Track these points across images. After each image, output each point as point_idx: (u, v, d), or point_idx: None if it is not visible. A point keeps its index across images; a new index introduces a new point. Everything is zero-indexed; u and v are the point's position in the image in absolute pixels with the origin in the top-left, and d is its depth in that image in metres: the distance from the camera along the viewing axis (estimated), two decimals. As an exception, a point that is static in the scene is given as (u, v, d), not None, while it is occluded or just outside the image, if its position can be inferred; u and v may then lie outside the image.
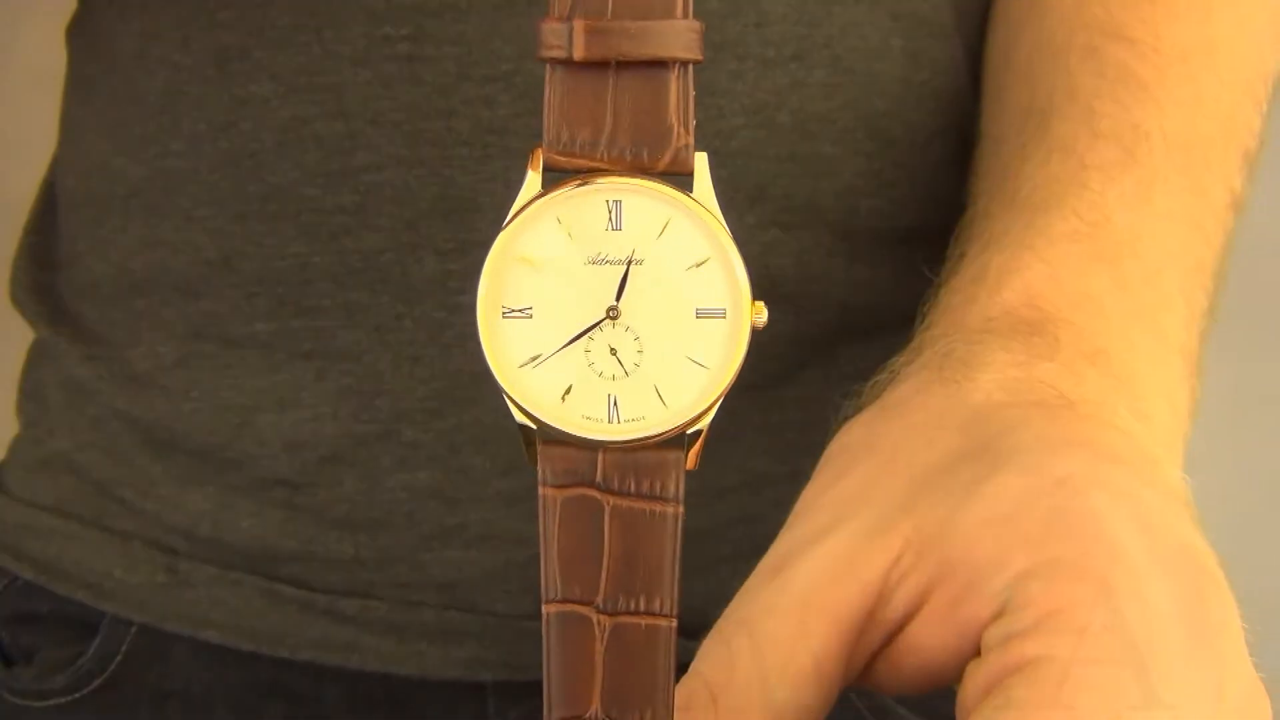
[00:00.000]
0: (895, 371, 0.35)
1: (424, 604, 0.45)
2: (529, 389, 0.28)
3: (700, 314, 0.27)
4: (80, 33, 0.49)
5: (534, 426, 0.28)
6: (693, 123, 0.27)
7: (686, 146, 0.27)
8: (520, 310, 0.28)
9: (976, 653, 0.29)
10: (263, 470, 0.45)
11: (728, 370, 0.27)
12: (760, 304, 0.27)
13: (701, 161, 0.28)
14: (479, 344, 0.28)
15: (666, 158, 0.27)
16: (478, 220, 0.42)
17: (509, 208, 0.42)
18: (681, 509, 0.27)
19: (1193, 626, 0.27)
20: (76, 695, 0.48)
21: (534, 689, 0.46)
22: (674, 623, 0.27)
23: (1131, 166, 0.39)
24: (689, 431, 0.28)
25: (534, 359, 0.28)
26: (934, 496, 0.30)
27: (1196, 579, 0.28)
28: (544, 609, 0.28)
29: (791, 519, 0.32)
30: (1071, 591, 0.27)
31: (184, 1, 0.43)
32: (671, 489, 0.27)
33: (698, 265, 0.27)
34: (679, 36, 0.27)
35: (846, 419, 0.34)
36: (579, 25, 0.27)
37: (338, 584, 0.46)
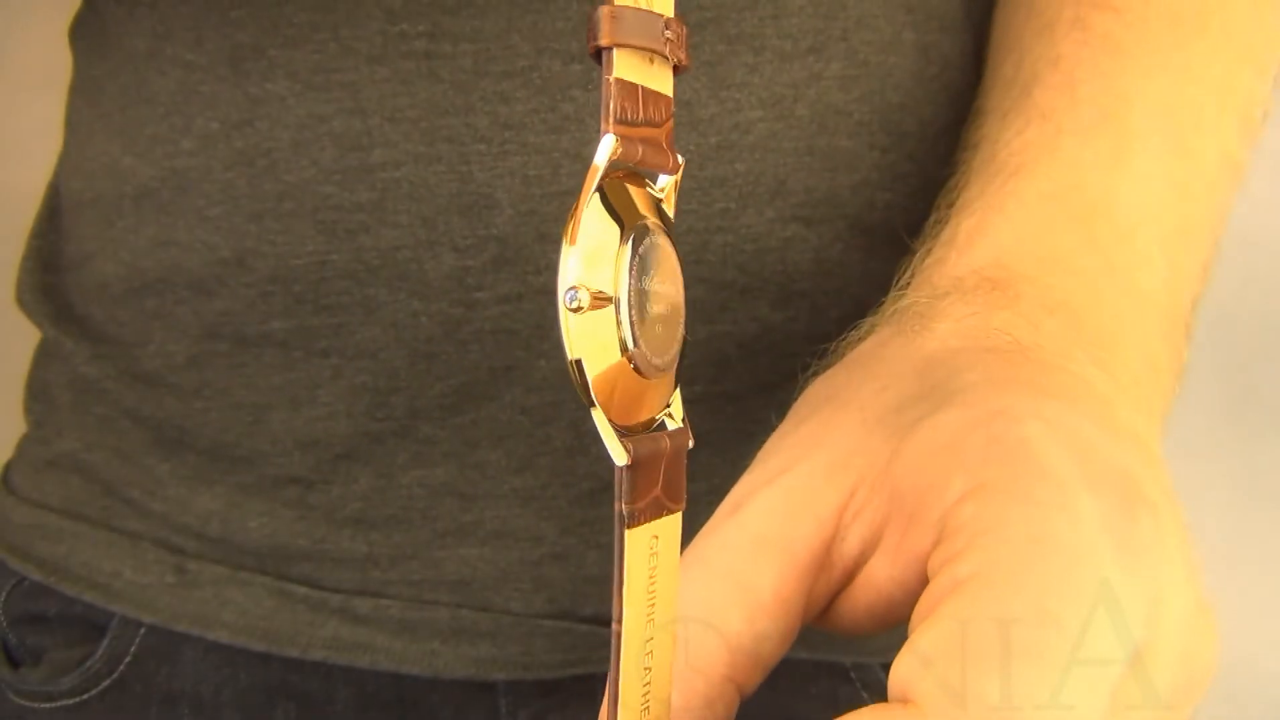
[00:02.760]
0: (861, 330, 0.36)
1: (437, 602, 0.45)
2: None
3: None
4: (85, 33, 0.49)
5: None
6: (602, 112, 0.26)
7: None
8: None
9: (925, 584, 0.29)
10: (274, 469, 0.45)
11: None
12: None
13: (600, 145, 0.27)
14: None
15: None
16: (495, 216, 0.42)
17: (526, 203, 0.42)
18: (617, 507, 0.26)
19: (1122, 541, 0.28)
20: (84, 696, 0.48)
21: (545, 690, 0.47)
22: (615, 628, 0.27)
23: (1108, 130, 0.40)
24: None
25: None
26: (884, 434, 0.31)
27: (1127, 498, 0.29)
28: None
29: (752, 464, 0.33)
30: (1001, 511, 0.28)
31: (197, 0, 0.43)
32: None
33: None
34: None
35: (814, 375, 0.35)
36: None
37: (350, 583, 0.46)
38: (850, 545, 0.31)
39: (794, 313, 0.44)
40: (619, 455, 0.26)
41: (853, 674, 0.49)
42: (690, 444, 0.27)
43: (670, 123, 0.27)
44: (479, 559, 0.45)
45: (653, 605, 0.28)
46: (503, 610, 0.45)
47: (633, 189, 0.27)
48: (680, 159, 0.28)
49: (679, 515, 0.28)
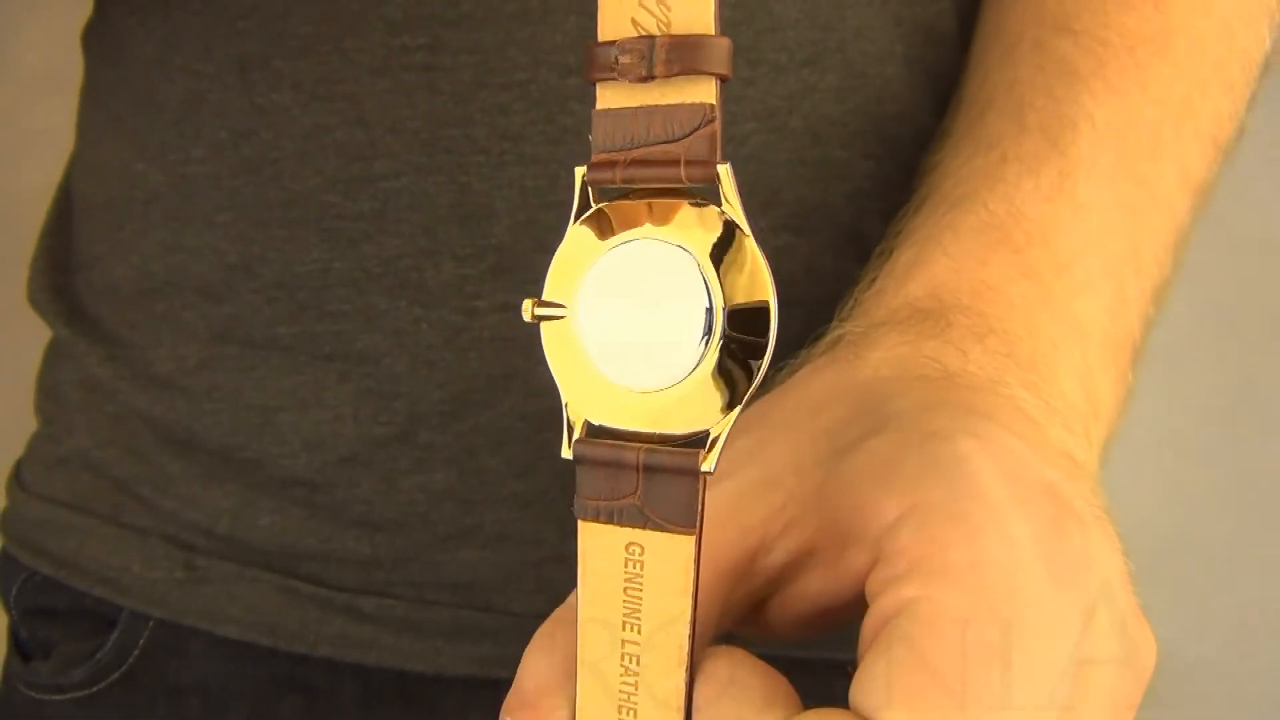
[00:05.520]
0: (797, 360, 0.37)
1: (440, 603, 0.46)
2: None
3: None
4: (97, 39, 0.50)
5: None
6: None
7: None
8: None
9: (860, 598, 0.30)
10: (282, 470, 0.46)
11: None
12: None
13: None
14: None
15: None
16: (494, 226, 0.42)
17: (524, 213, 0.43)
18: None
19: (1052, 559, 0.29)
20: (93, 689, 0.48)
21: (547, 685, 0.47)
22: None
23: (1053, 158, 0.40)
24: None
25: None
26: (817, 456, 0.32)
27: (1055, 515, 0.29)
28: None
29: None
30: (941, 534, 0.29)
31: (205, 11, 0.43)
32: None
33: None
34: None
35: (753, 401, 0.36)
36: None
37: (355, 582, 0.46)
38: (775, 557, 0.32)
39: (788, 319, 0.45)
40: (564, 448, 0.28)
41: (849, 669, 0.50)
42: (703, 469, 0.27)
43: (699, 131, 0.28)
44: (480, 561, 0.45)
45: (632, 613, 0.28)
46: (504, 611, 0.46)
47: (642, 205, 0.28)
48: (719, 166, 0.28)
49: (683, 539, 0.28)
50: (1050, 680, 0.28)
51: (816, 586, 0.32)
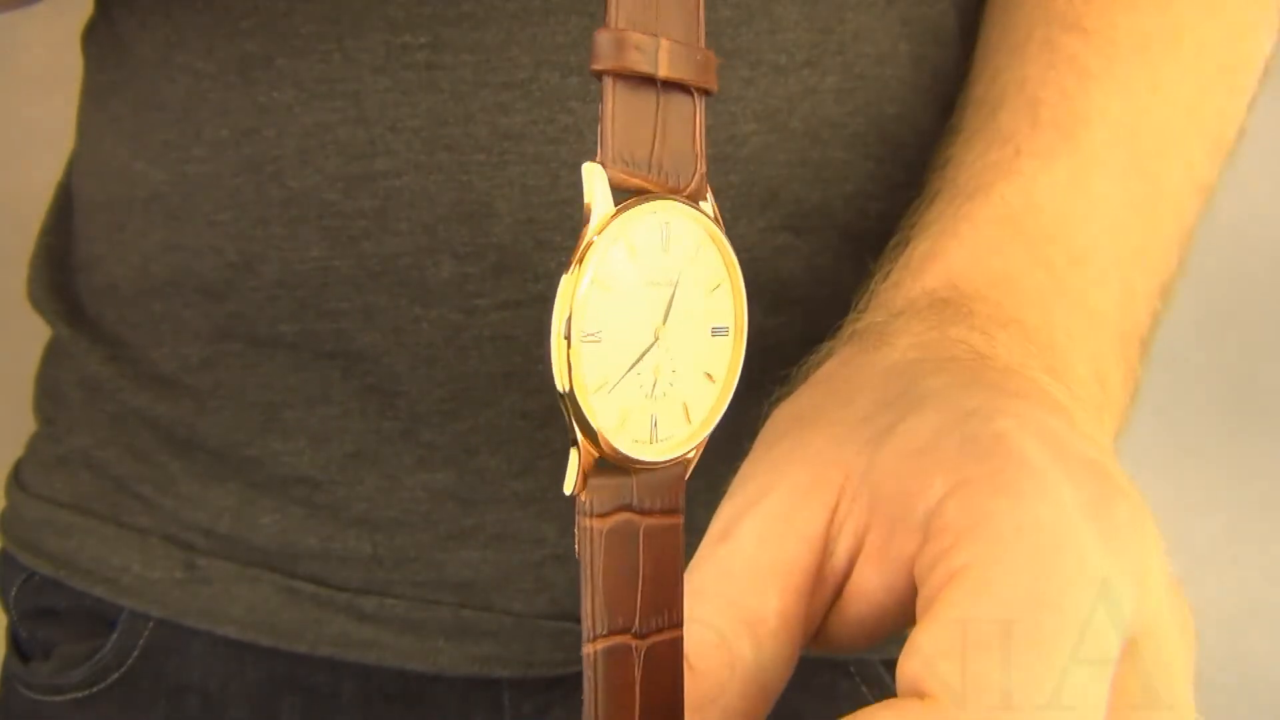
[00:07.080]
0: (820, 354, 0.37)
1: (441, 603, 0.46)
2: (599, 415, 0.27)
3: (714, 332, 0.28)
4: (97, 40, 0.49)
5: (599, 454, 0.27)
6: (705, 152, 0.28)
7: (704, 175, 0.28)
8: (593, 334, 0.27)
9: (913, 590, 0.30)
10: (285, 467, 0.46)
11: (733, 381, 0.28)
12: None
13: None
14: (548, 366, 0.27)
15: (693, 184, 0.27)
16: (494, 225, 0.42)
17: (525, 212, 0.43)
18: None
19: (1104, 526, 0.28)
20: (93, 689, 0.48)
21: (548, 685, 0.47)
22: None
23: (1068, 153, 0.40)
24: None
25: (604, 385, 0.27)
26: (857, 444, 0.31)
27: (1102, 486, 0.29)
28: (588, 648, 0.27)
29: (730, 490, 0.33)
30: (986, 505, 0.28)
31: (207, 10, 0.43)
32: (681, 500, 0.28)
33: (715, 288, 0.28)
34: (712, 67, 0.27)
35: (778, 401, 0.35)
36: (665, 44, 0.26)
37: (356, 582, 0.46)
38: (839, 560, 0.31)
39: (788, 318, 0.45)
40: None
41: (852, 668, 0.50)
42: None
43: None
44: (481, 561, 0.46)
45: None
46: (505, 611, 0.46)
47: None
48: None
49: None
50: (1104, 660, 0.27)
51: (871, 582, 0.31)
